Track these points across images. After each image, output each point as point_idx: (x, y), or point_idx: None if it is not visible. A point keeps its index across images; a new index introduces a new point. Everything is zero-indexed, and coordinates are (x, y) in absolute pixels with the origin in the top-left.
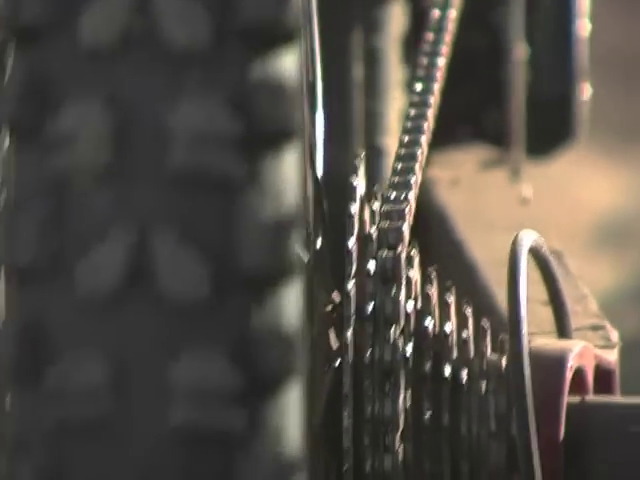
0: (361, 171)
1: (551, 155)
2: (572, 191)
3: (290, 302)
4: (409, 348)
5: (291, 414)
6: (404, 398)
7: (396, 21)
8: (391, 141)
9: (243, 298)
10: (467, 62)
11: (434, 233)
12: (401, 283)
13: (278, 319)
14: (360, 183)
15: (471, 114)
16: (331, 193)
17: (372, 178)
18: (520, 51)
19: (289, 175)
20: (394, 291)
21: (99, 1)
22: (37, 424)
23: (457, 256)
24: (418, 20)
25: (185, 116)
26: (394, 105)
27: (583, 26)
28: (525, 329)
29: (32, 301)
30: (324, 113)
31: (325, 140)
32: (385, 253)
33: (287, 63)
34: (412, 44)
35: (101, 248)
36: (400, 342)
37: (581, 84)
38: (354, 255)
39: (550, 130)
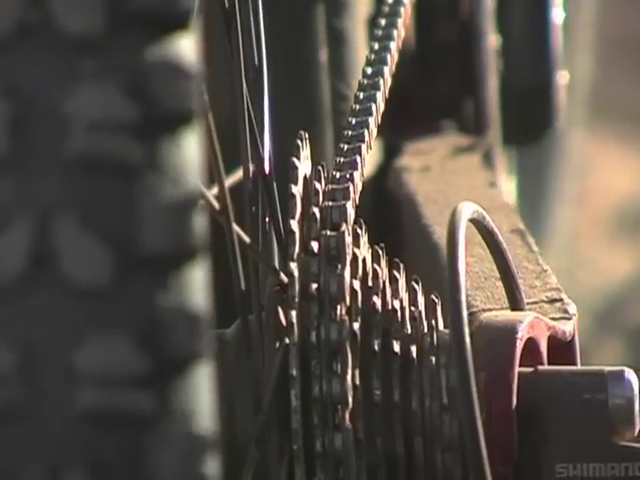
0: (305, 152)
1: (531, 143)
2: (589, 179)
3: (195, 283)
4: (356, 325)
5: (200, 395)
6: (352, 376)
7: (361, 3)
8: None
9: (147, 281)
10: (439, 52)
11: (404, 219)
12: (345, 261)
13: (183, 301)
14: (304, 163)
15: (445, 104)
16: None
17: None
18: (492, 40)
19: (189, 157)
20: (339, 270)
21: None
22: None
23: (423, 240)
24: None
25: (82, 102)
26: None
27: (557, 14)
28: (464, 298)
29: None
30: (287, 96)
31: (289, 123)
32: (328, 232)
33: (184, 47)
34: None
35: (3, 237)
36: (346, 320)
37: (558, 71)
38: (297, 235)
39: (529, 118)
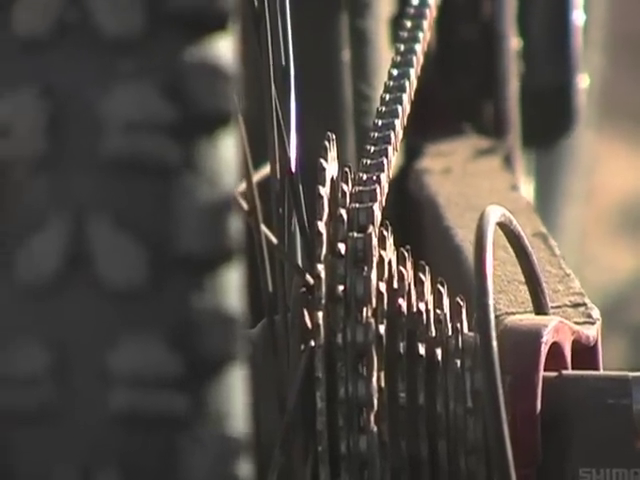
0: (332, 153)
1: (551, 145)
2: (593, 177)
3: (230, 285)
4: (382, 328)
5: (234, 397)
6: (377, 378)
7: (383, 3)
8: None
9: (182, 282)
10: (460, 54)
11: (425, 221)
12: (372, 263)
13: (218, 302)
14: (331, 165)
15: (466, 106)
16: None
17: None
18: (513, 42)
19: (226, 158)
20: (365, 272)
21: None
22: None
23: (445, 242)
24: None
25: (119, 102)
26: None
27: (578, 17)
28: (491, 301)
29: None
30: (310, 97)
31: (312, 123)
32: (355, 234)
33: (222, 48)
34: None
35: (39, 236)
36: (372, 322)
37: (578, 73)
38: (324, 237)
39: (549, 120)
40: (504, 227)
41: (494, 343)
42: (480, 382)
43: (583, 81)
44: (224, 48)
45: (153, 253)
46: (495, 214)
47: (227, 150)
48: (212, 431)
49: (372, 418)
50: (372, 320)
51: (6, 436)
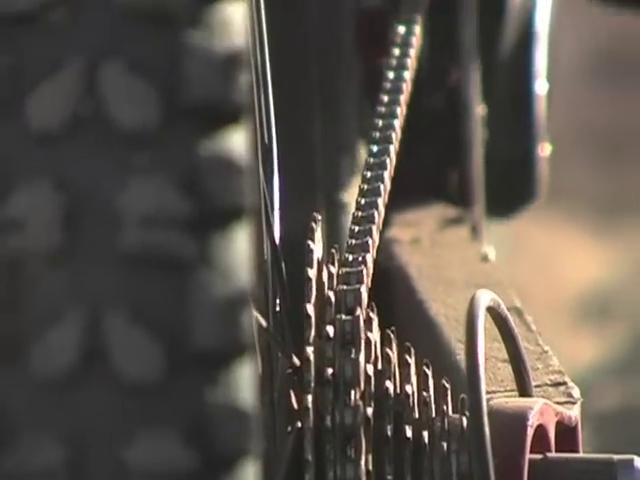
0: (318, 233)
1: (512, 215)
2: (554, 265)
3: (244, 380)
4: (370, 410)
5: None
6: (366, 461)
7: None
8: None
9: (197, 377)
10: (426, 122)
11: (396, 293)
12: (360, 346)
13: (232, 397)
14: (317, 246)
15: (431, 174)
16: (291, 253)
17: (334, 234)
18: (478, 110)
19: (240, 252)
20: (353, 354)
21: (47, 83)
22: None
23: (418, 316)
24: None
25: (135, 197)
26: (355, 159)
27: (541, 86)
28: (483, 388)
29: None
30: (284, 172)
31: (284, 199)
32: (343, 317)
33: (235, 141)
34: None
35: (55, 330)
36: (361, 405)
37: (541, 143)
38: (312, 319)
39: (511, 189)
40: (492, 310)
41: (487, 431)
42: (466, 465)
43: (545, 150)
44: (237, 141)
45: (169, 347)
46: (485, 298)
47: (241, 244)
48: None
49: None
50: (360, 403)
51: None
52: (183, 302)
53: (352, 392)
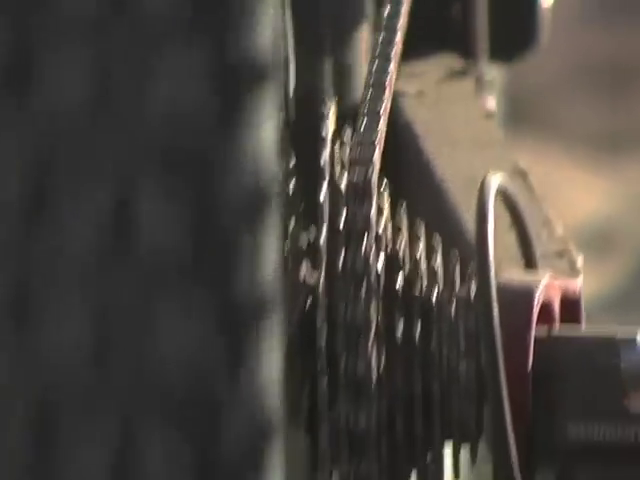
0: (330, 120)
1: (513, 60)
2: (552, 200)
3: None
4: (380, 263)
5: None
6: (376, 307)
7: None
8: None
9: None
10: None
11: (402, 153)
12: (371, 204)
13: None
14: (329, 132)
15: (435, 22)
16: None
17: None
18: None
19: (271, 373)
20: (365, 206)
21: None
22: None
23: (426, 178)
24: None
25: (165, 340)
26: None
27: None
28: (493, 275)
29: None
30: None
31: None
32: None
33: (266, 267)
34: None
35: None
36: (371, 257)
37: None
38: (326, 207)
39: (513, 35)
40: (502, 194)
41: (496, 318)
42: (472, 329)
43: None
44: (268, 266)
45: (199, 456)
46: (495, 182)
47: (272, 369)
48: None
49: (370, 343)
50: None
51: None
52: (219, 419)
53: (363, 241)
